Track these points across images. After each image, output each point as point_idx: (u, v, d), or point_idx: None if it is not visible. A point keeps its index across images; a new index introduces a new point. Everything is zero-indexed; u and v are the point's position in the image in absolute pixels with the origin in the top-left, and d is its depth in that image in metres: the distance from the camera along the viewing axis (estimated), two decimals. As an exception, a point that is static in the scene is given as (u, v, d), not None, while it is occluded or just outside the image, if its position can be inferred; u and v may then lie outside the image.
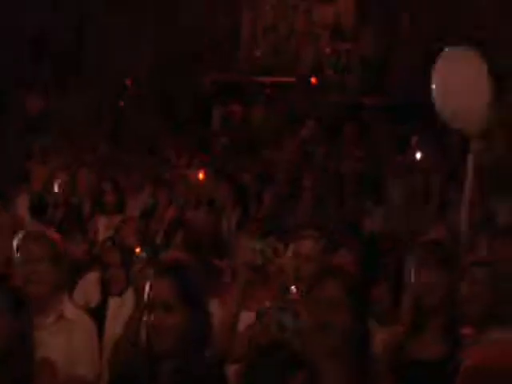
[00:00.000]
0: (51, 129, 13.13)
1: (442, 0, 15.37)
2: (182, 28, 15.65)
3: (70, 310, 4.22)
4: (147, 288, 3.33)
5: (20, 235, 4.24)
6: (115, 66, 15.19)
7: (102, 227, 8.19)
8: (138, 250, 4.63)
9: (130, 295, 4.93)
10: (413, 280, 4.26)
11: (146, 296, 3.32)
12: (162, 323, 3.23)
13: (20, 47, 14.93)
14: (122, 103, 14.29)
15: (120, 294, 5.46)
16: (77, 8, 15.75)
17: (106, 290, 5.57)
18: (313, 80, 14.90)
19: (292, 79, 15.12)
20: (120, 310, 5.26)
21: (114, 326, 5.01)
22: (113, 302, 5.47)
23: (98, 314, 5.03)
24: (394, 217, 9.09)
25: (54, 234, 4.42)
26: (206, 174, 9.88)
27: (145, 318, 3.31)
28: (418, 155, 10.81)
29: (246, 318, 4.39)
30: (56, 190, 9.04)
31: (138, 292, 4.13)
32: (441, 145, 10.83)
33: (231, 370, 3.98)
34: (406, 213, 9.02)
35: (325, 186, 10.03)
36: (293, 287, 4.61)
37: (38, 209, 8.43)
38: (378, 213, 9.38)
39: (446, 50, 7.14)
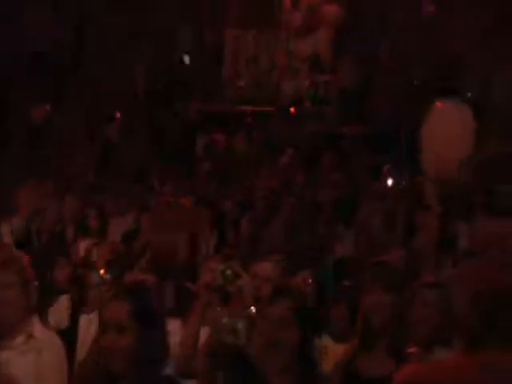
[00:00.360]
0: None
1: (419, 29, 15.49)
2: (169, 58, 15.79)
3: (39, 330, 4.17)
4: (101, 309, 3.30)
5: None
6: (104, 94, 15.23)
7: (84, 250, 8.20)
8: (102, 271, 4.66)
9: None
10: (363, 300, 4.32)
11: (99, 317, 3.30)
12: (115, 344, 3.16)
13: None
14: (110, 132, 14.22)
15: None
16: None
17: (77, 312, 5.56)
18: (292, 110, 14.96)
19: (272, 109, 15.20)
20: (89, 329, 5.26)
21: (84, 346, 4.98)
22: (83, 322, 5.46)
23: (68, 335, 5.02)
24: (362, 241, 9.11)
25: (23, 260, 4.37)
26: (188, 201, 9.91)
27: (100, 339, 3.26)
28: (390, 182, 10.90)
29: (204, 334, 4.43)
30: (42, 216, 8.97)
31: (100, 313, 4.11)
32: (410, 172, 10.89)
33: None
34: (374, 237, 9.05)
35: (301, 213, 10.06)
36: (252, 307, 4.65)
37: (21, 238, 8.38)
38: (348, 238, 9.43)
39: (439, 102, 7.34)
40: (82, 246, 8.15)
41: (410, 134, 13.02)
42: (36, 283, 4.25)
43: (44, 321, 4.75)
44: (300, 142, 13.67)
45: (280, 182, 11.67)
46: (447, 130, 7.36)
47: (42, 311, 4.93)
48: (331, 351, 4.51)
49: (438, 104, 7.71)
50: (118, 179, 11.81)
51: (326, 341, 4.60)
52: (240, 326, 3.74)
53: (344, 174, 11.94)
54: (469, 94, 14.28)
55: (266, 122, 14.83)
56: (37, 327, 4.19)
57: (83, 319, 5.47)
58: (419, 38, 15.56)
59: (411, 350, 4.24)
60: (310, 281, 5.53)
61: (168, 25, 15.90)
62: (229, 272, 4.43)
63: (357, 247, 8.99)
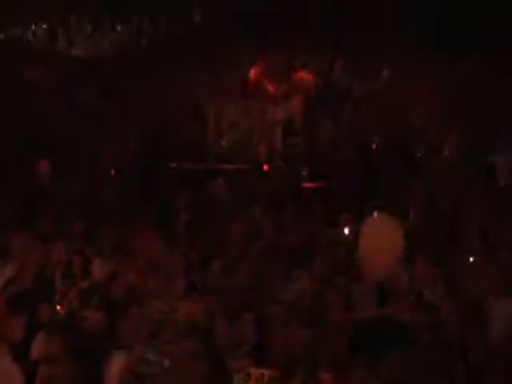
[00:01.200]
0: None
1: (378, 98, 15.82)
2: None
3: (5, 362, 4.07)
4: (38, 343, 3.29)
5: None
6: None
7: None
8: (58, 307, 4.72)
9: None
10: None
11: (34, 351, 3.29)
12: (49, 376, 3.21)
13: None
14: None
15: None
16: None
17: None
18: (265, 167, 15.10)
19: (249, 166, 15.39)
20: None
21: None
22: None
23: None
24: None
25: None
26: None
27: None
28: (346, 231, 10.96)
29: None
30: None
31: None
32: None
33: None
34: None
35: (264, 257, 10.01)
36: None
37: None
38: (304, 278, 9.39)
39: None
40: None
41: (366, 189, 13.45)
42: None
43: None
44: (271, 194, 13.75)
45: (251, 229, 11.66)
46: (379, 239, 7.63)
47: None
48: (254, 377, 4.58)
49: (374, 216, 8.02)
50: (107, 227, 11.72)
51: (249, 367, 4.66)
52: (151, 356, 3.72)
53: (306, 222, 12.04)
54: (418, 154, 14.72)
55: (242, 177, 14.92)
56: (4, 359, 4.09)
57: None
58: (377, 107, 15.92)
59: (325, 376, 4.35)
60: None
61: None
62: (167, 308, 4.48)
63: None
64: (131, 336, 5.16)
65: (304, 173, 15.12)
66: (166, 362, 3.65)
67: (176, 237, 11.23)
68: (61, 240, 9.44)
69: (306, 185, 14.64)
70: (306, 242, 10.67)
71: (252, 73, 17.14)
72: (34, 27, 20.17)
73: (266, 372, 4.68)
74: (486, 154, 13.88)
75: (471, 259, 8.81)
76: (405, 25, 15.78)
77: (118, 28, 19.67)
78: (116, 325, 4.96)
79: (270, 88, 16.98)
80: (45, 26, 20.14)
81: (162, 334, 4.35)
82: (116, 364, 4.14)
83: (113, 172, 15.16)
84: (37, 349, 3.34)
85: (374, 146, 15.46)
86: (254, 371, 4.71)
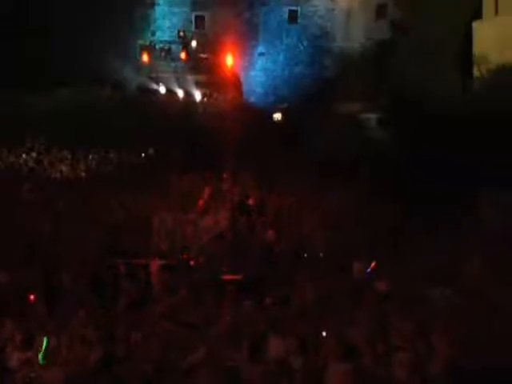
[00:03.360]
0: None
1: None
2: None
3: None
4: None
5: None
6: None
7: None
8: None
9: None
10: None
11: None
12: None
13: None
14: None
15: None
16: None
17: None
18: (191, 263, 15.04)
19: (180, 261, 15.04)
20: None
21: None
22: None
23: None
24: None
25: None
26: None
27: None
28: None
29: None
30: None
31: None
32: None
33: None
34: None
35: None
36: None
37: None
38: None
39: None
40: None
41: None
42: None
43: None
44: (195, 285, 13.54)
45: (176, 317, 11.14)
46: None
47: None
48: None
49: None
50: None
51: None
52: None
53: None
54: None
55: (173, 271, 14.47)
56: None
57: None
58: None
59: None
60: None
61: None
62: None
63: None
64: None
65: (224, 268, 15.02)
66: None
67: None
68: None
69: (226, 277, 14.53)
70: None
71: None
72: (24, 156, 20.54)
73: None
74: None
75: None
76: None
77: (90, 157, 20.09)
78: None
79: (200, 203, 17.28)
80: (34, 154, 20.52)
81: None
82: None
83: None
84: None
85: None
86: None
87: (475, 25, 20.89)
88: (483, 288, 9.14)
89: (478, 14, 21.33)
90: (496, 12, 20.73)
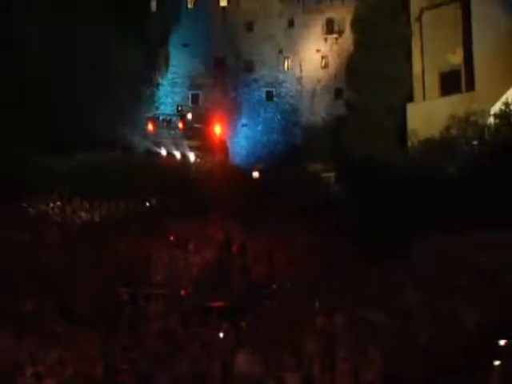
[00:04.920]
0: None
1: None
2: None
3: None
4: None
5: None
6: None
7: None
8: None
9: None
10: None
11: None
12: None
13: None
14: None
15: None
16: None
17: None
18: (182, 292, 14.90)
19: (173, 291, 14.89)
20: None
21: None
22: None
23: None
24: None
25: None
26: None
27: None
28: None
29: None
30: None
31: None
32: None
33: None
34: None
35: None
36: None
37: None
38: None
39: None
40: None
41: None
42: None
43: None
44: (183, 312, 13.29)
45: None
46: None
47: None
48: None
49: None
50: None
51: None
52: None
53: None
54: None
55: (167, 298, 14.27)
56: None
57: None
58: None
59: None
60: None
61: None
62: None
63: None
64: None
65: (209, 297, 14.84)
66: None
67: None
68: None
69: (210, 304, 14.38)
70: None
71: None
72: (52, 204, 20.37)
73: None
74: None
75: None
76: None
77: (104, 206, 20.03)
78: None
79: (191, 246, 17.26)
80: (58, 203, 20.40)
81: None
82: None
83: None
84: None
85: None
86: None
87: (408, 106, 21.46)
88: (410, 312, 9.20)
89: (410, 98, 21.92)
90: (423, 97, 21.39)
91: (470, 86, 19.87)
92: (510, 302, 8.29)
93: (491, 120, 16.26)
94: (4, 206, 17.62)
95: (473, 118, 16.60)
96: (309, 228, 17.64)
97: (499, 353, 6.77)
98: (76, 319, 11.47)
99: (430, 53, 21.44)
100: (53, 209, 20.14)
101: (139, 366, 9.01)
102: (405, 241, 13.95)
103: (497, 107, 16.76)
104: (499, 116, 16.11)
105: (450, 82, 20.79)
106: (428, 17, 21.40)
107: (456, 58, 20.66)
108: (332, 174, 23.72)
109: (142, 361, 9.26)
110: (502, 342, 6.83)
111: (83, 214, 19.78)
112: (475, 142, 15.88)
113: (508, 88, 17.13)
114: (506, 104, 16.42)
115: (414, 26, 22.04)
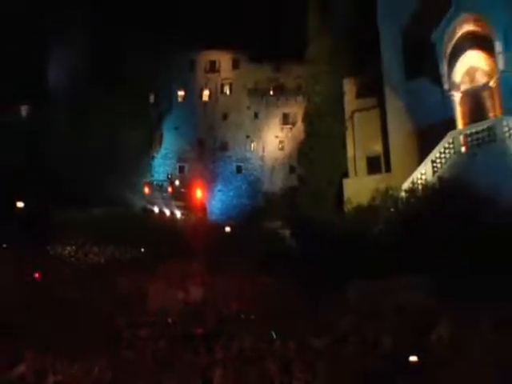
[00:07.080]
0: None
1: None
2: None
3: None
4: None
5: None
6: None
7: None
8: None
9: None
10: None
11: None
12: None
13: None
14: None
15: None
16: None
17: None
18: (170, 321, 14.57)
19: (162, 320, 14.48)
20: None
21: None
22: None
23: None
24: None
25: None
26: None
27: None
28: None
29: None
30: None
31: None
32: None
33: None
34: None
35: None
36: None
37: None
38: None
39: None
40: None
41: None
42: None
43: None
44: (174, 336, 12.93)
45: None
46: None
47: None
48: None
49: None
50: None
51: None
52: None
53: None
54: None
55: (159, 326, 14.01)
56: None
57: None
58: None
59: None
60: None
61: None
62: None
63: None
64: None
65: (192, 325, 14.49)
66: None
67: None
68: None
69: (193, 331, 14.04)
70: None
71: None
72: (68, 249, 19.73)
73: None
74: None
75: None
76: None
77: (108, 250, 19.72)
78: None
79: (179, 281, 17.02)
80: (74, 247, 19.96)
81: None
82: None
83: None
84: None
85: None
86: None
87: (344, 181, 22.33)
88: (350, 338, 9.34)
89: (346, 175, 22.82)
90: (355, 174, 22.40)
91: (388, 167, 21.05)
92: (415, 329, 8.61)
93: (403, 194, 17.19)
94: (34, 250, 17.39)
95: (390, 192, 17.48)
96: (269, 272, 17.83)
97: (409, 368, 7.04)
98: (84, 339, 11.20)
99: (359, 142, 22.78)
100: (69, 253, 19.80)
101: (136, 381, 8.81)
102: (341, 282, 14.29)
103: (406, 184, 17.81)
104: (408, 191, 17.12)
105: (374, 164, 21.91)
106: (357, 117, 22.96)
107: (378, 147, 21.94)
108: (287, 231, 24.11)
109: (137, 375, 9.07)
110: (412, 359, 7.14)
111: (92, 257, 19.47)
112: (392, 209, 16.67)
113: (414, 170, 18.27)
114: (413, 182, 17.54)
115: (348, 123, 23.43)
